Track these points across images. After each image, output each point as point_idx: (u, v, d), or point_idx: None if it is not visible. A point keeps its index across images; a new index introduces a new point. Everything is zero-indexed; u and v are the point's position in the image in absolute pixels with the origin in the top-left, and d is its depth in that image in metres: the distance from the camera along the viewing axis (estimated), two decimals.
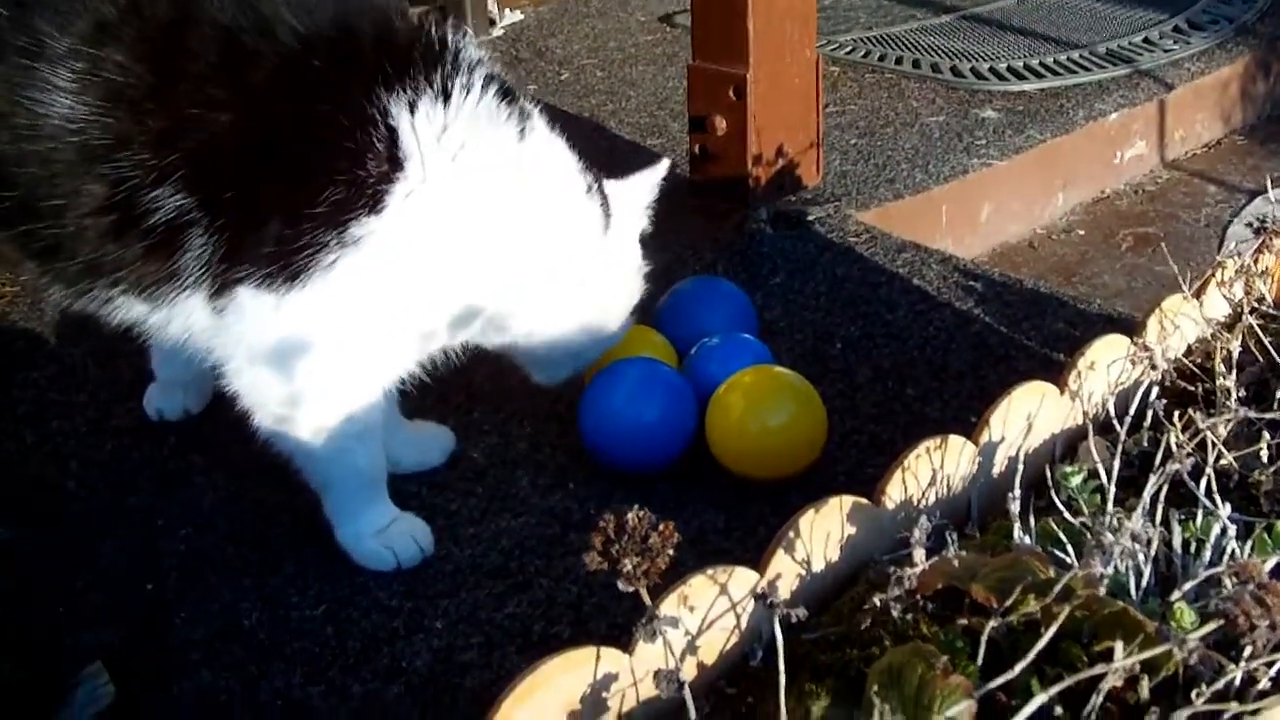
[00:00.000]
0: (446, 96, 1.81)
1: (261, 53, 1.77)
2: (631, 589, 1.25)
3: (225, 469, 2.15)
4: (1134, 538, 1.33)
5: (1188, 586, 1.32)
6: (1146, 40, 4.04)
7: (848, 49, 4.01)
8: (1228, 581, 1.23)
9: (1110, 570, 1.36)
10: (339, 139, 1.76)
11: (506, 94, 1.88)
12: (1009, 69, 3.81)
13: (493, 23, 4.28)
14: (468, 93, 1.83)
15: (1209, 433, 1.51)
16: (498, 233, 1.87)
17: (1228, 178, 3.75)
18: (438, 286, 1.87)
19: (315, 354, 1.82)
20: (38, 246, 1.85)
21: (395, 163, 1.77)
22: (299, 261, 1.77)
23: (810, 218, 2.87)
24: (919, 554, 1.38)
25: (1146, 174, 3.77)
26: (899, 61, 3.91)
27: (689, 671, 1.42)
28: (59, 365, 2.50)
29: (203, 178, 1.76)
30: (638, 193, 2.10)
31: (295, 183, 1.77)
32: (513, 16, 4.38)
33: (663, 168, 2.12)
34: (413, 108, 1.78)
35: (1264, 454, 1.67)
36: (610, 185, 2.07)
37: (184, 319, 1.87)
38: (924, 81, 3.76)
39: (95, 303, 1.90)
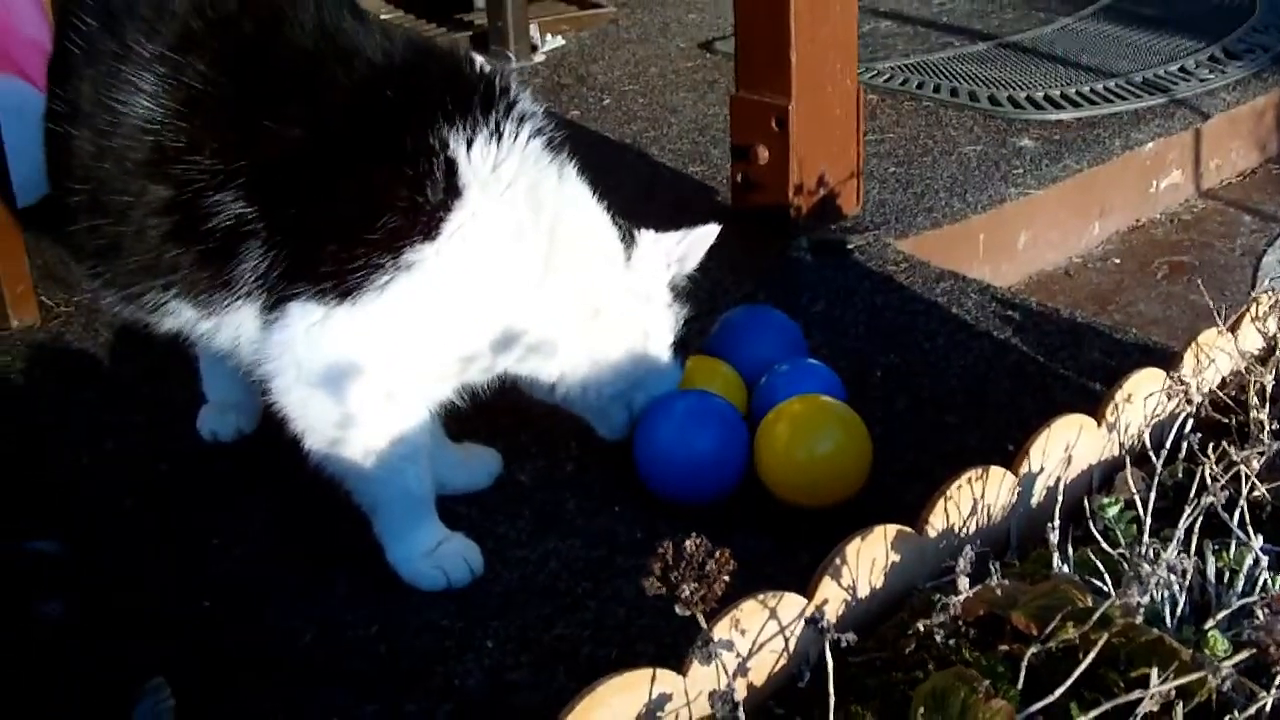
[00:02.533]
0: (500, 137, 1.89)
1: (337, 79, 1.87)
2: (689, 613, 1.30)
3: (278, 489, 2.19)
4: (1169, 568, 1.37)
5: (1221, 615, 1.37)
6: (1183, 69, 4.07)
7: (886, 77, 4.05)
8: (1260, 612, 1.28)
9: (1146, 599, 1.41)
10: (401, 166, 1.84)
11: (550, 142, 1.98)
12: (1046, 98, 3.85)
13: (535, 48, 4.33)
14: (517, 136, 1.91)
15: (1243, 465, 1.55)
16: (531, 262, 1.95)
17: (1263, 207, 3.77)
18: (480, 310, 1.93)
19: (364, 374, 1.87)
20: (100, 243, 1.94)
21: (452, 193, 1.85)
22: (352, 281, 1.83)
23: (850, 246, 2.91)
24: (963, 582, 1.43)
25: (1182, 203, 3.80)
26: (937, 89, 3.95)
27: (740, 692, 1.46)
28: (112, 386, 2.56)
29: (267, 190, 1.84)
30: (673, 240, 2.17)
31: (356, 204, 1.84)
32: (555, 42, 4.43)
33: (711, 232, 2.19)
34: (470, 144, 1.86)
35: None
36: (648, 232, 2.17)
37: (233, 328, 1.94)
38: (962, 110, 3.80)
39: (146, 307, 1.97)
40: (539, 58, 4.32)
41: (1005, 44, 4.35)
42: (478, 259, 1.88)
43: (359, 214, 1.83)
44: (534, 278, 1.96)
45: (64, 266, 2.90)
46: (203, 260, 1.88)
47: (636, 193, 3.20)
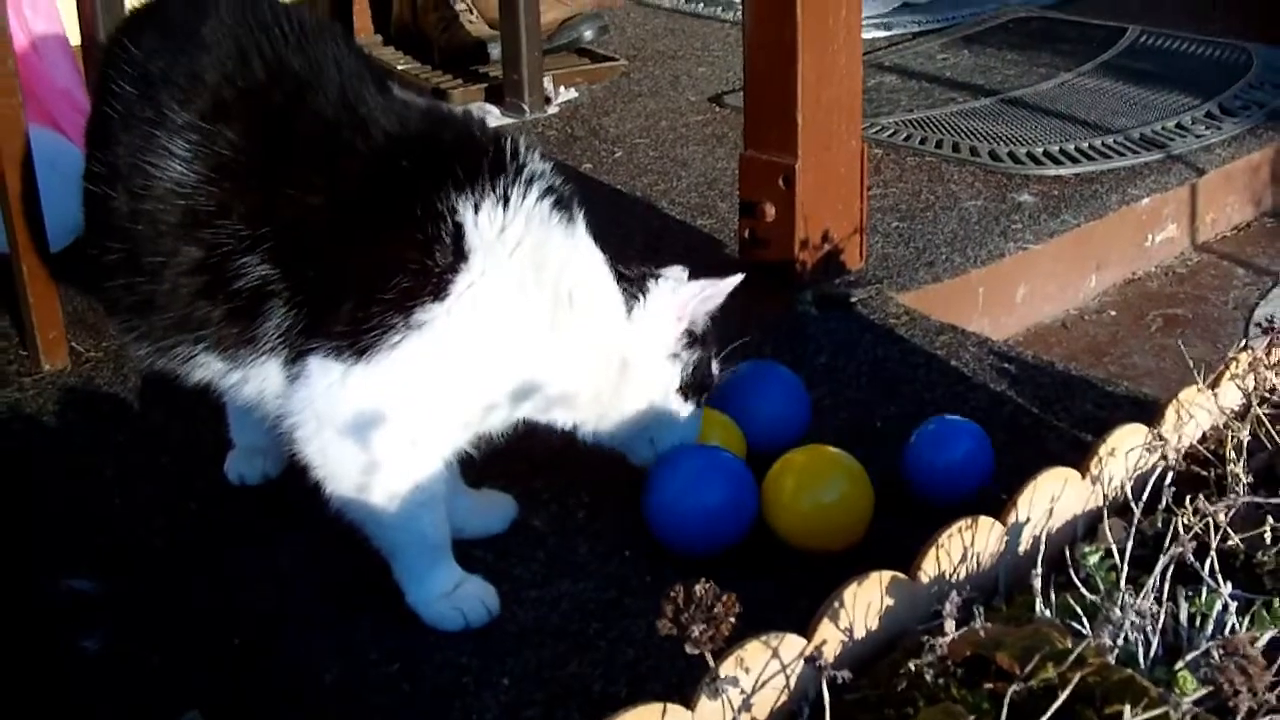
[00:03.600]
0: (506, 201, 1.99)
1: (355, 147, 1.97)
2: (698, 652, 1.40)
3: (303, 530, 2.26)
4: (1139, 613, 1.48)
5: (1190, 657, 1.46)
6: (1179, 125, 4.15)
7: (890, 132, 4.14)
8: (1215, 653, 1.38)
9: (1121, 641, 1.51)
10: (412, 231, 1.94)
11: (559, 201, 2.07)
12: (1045, 153, 3.94)
13: (549, 100, 4.41)
14: (524, 199, 2.01)
15: (1211, 518, 1.65)
16: (538, 318, 2.04)
17: (1256, 260, 3.86)
18: (491, 365, 2.03)
19: (381, 427, 1.97)
20: (134, 300, 2.04)
21: (460, 255, 1.95)
22: (367, 340, 1.93)
23: (853, 300, 3.00)
24: (949, 625, 1.53)
25: (1177, 256, 3.88)
26: (939, 145, 4.04)
27: None
28: (142, 429, 2.65)
29: (288, 252, 1.95)
30: (692, 292, 2.21)
31: (370, 266, 1.94)
32: (568, 94, 4.51)
33: (733, 282, 2.24)
34: (477, 209, 1.96)
35: (1267, 536, 1.81)
36: (668, 281, 2.23)
37: (259, 381, 2.04)
38: (963, 165, 3.89)
39: (177, 359, 2.07)
40: (553, 110, 4.40)
41: (1007, 99, 4.43)
42: (487, 317, 1.97)
43: (372, 276, 1.94)
44: (542, 333, 2.05)
45: (93, 313, 3.00)
46: (231, 317, 1.98)
47: (647, 243, 3.28)
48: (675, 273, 2.26)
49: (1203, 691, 1.37)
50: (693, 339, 2.23)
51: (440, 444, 2.06)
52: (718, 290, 2.22)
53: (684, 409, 2.25)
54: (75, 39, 3.44)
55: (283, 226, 1.95)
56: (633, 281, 2.19)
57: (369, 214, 1.96)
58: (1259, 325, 3.03)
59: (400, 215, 1.95)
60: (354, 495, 2.01)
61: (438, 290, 1.94)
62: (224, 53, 2.00)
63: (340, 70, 2.03)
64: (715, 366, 2.30)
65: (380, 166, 1.98)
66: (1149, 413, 2.16)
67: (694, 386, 2.25)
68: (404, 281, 1.93)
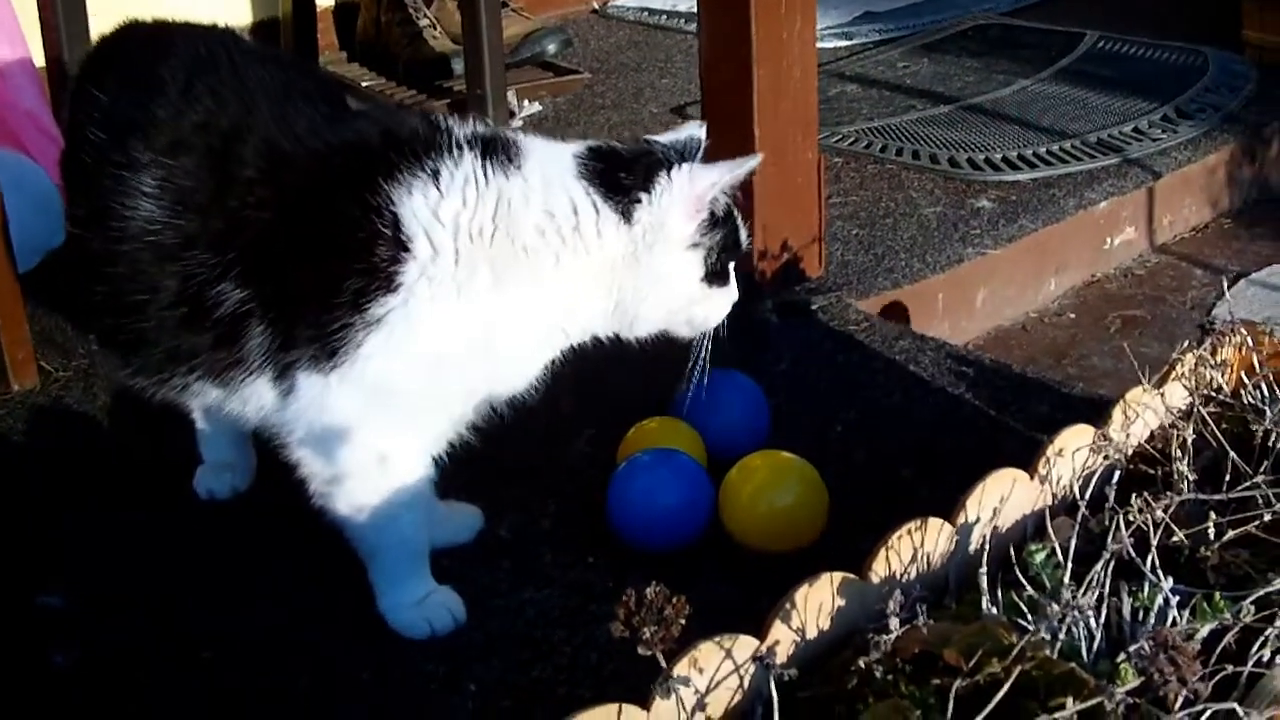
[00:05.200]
0: (437, 176, 1.98)
1: (296, 160, 2.00)
2: (650, 653, 1.44)
3: (273, 544, 2.31)
4: (1078, 609, 1.52)
5: (1132, 649, 1.50)
6: (1136, 129, 4.20)
7: (851, 140, 4.18)
8: (1146, 644, 1.42)
9: (1066, 636, 1.55)
10: (352, 232, 1.96)
11: (494, 151, 2.02)
12: (1004, 159, 3.98)
13: (513, 114, 4.43)
14: (457, 167, 1.99)
15: (1149, 515, 1.69)
16: (514, 274, 2.00)
17: (1214, 261, 3.91)
18: (476, 340, 2.01)
19: (366, 427, 2.00)
20: (125, 338, 2.10)
21: (400, 245, 1.95)
22: (334, 344, 1.96)
23: (814, 307, 3.05)
24: (894, 623, 1.57)
25: (1136, 258, 3.94)
26: (899, 153, 4.08)
27: None
28: (111, 447, 2.69)
29: (254, 272, 1.98)
30: (709, 181, 2.07)
31: (322, 273, 1.97)
32: (531, 108, 4.54)
33: (753, 162, 2.14)
34: (410, 193, 1.96)
35: (1211, 532, 1.85)
36: (676, 174, 2.06)
37: (256, 400, 2.06)
38: (923, 172, 3.94)
39: (175, 390, 2.12)
40: (517, 123, 4.41)
41: (966, 107, 4.48)
42: (450, 294, 1.96)
43: (327, 284, 1.96)
44: (522, 287, 2.00)
45: (62, 332, 3.03)
46: (217, 344, 2.02)
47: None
48: (692, 132, 2.14)
49: (1138, 682, 1.41)
50: (714, 220, 2.10)
51: (431, 436, 2.09)
52: (738, 174, 2.10)
53: (712, 291, 2.15)
54: (40, 61, 3.46)
55: (245, 248, 1.99)
56: (629, 187, 2.04)
57: (314, 224, 1.99)
58: (1200, 326, 3.07)
59: (340, 219, 1.97)
60: (339, 494, 2.05)
61: (388, 283, 1.94)
62: (178, 88, 2.04)
63: (278, 89, 2.07)
64: (743, 235, 2.18)
65: (318, 175, 2.00)
66: (1104, 414, 2.20)
67: (721, 269, 2.15)
68: (354, 283, 1.94)
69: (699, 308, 2.16)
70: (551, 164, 2.05)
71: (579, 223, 2.02)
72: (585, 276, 2.05)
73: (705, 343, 2.27)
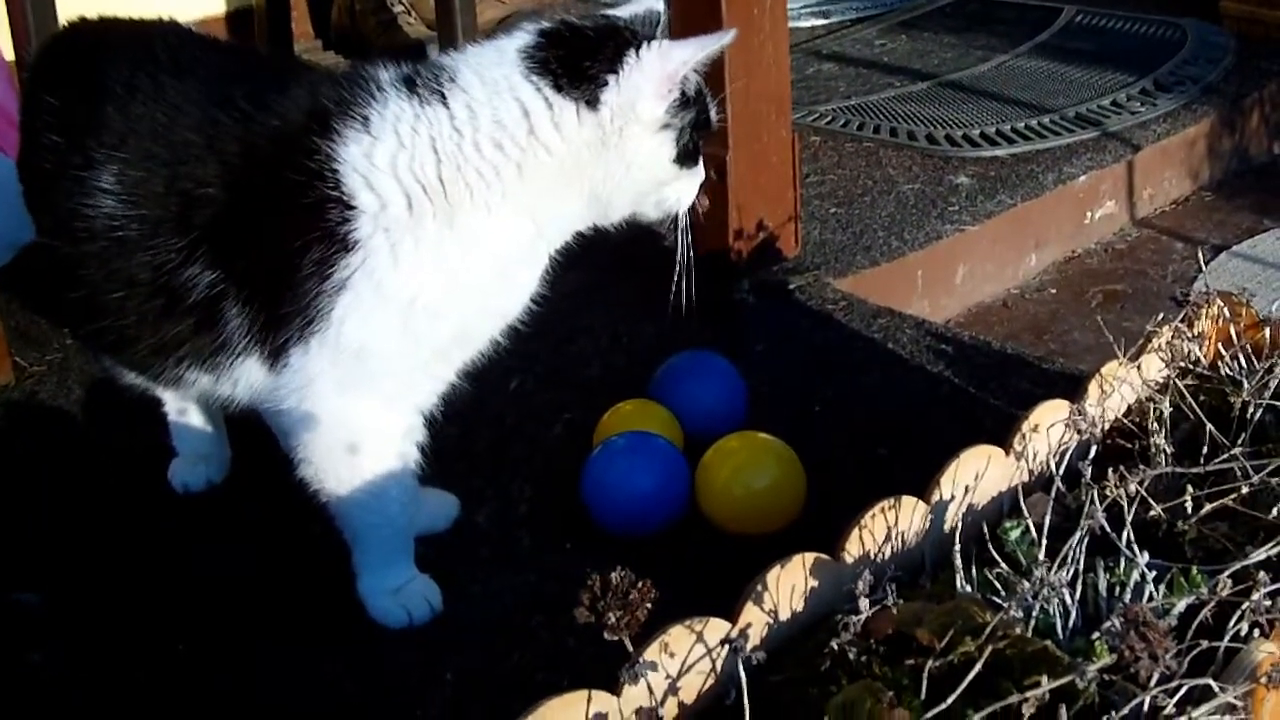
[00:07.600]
0: (367, 122, 1.92)
1: (235, 132, 1.97)
2: (615, 638, 1.43)
3: (250, 537, 2.30)
4: (1051, 586, 1.51)
5: (1106, 625, 1.49)
6: (1114, 103, 4.19)
7: (828, 119, 4.17)
8: (1115, 621, 1.41)
9: (1040, 613, 1.54)
10: (299, 197, 1.91)
11: (421, 83, 1.95)
12: (981, 135, 3.97)
13: None
14: (385, 109, 1.92)
15: (1123, 489, 1.68)
16: (474, 202, 1.93)
17: (1195, 234, 3.90)
18: (456, 281, 1.95)
19: (351, 391, 1.97)
20: (111, 339, 2.08)
21: (344, 203, 1.89)
22: (310, 313, 1.92)
23: (791, 287, 3.03)
24: (864, 603, 1.56)
25: (1116, 232, 3.92)
26: (877, 130, 4.07)
27: (670, 711, 1.58)
28: (86, 441, 2.67)
29: (220, 251, 1.96)
30: (680, 59, 1.95)
31: (283, 244, 1.92)
32: None
33: (727, 37, 2.02)
34: (346, 145, 1.91)
35: (1188, 506, 1.84)
36: (644, 54, 1.94)
37: (246, 381, 2.04)
38: (900, 150, 3.92)
39: (168, 381, 2.11)
40: None
41: (944, 83, 4.47)
42: (411, 243, 1.91)
43: (289, 254, 1.92)
44: (492, 211, 1.94)
45: (36, 327, 3.01)
46: (198, 330, 2.00)
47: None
48: (650, 3, 2.03)
49: (1112, 659, 1.40)
50: (685, 100, 1.99)
51: (421, 395, 2.06)
52: (711, 49, 1.99)
53: (683, 173, 2.06)
54: (10, 54, 3.44)
55: (205, 227, 1.96)
56: (593, 73, 1.94)
57: (263, 195, 1.94)
58: (1173, 299, 3.06)
59: (286, 185, 1.91)
60: (330, 471, 2.02)
61: (344, 244, 1.89)
62: (122, 82, 2.03)
63: (217, 70, 2.07)
64: (714, 112, 2.08)
65: (258, 145, 1.95)
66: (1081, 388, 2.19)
67: (692, 149, 2.05)
68: (315, 251, 1.90)
69: (669, 189, 2.06)
70: (490, 70, 1.95)
71: (532, 125, 1.93)
72: (554, 178, 1.96)
73: (685, 240, 2.17)
